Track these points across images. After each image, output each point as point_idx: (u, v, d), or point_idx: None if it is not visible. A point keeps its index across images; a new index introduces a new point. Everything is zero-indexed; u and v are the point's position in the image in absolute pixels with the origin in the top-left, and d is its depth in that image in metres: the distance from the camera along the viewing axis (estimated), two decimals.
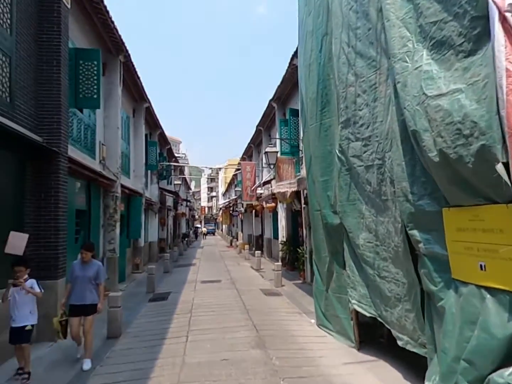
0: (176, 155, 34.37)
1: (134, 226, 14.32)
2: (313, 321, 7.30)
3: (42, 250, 6.27)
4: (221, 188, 65.38)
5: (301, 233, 14.71)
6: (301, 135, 11.88)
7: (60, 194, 6.53)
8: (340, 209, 5.89)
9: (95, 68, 8.30)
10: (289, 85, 14.09)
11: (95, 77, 8.27)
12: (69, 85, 7.54)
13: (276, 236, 19.05)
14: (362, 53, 5.02)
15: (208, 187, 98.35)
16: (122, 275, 12.69)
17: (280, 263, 15.77)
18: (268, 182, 17.05)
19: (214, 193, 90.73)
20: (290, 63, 12.26)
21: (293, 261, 14.57)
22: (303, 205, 11.71)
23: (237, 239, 33.11)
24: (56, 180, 6.49)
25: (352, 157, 5.58)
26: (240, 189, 26.56)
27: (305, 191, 11.37)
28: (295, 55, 11.66)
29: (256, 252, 15.94)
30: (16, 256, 4.95)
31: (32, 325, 4.75)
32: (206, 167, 33.48)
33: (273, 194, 12.37)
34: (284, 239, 15.65)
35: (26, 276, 4.77)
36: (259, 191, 16.90)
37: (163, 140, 22.28)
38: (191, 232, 52.19)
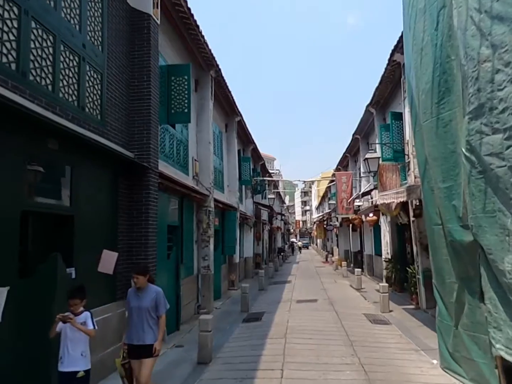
0: (270, 171, 34.54)
1: (228, 241, 14.17)
2: (435, 362, 5.91)
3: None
4: (315, 202, 64.04)
5: (409, 250, 12.98)
6: (406, 139, 10.43)
7: (151, 210, 6.38)
8: (474, 223, 4.56)
9: (186, 83, 8.24)
10: (389, 86, 12.69)
11: (185, 92, 8.20)
12: (161, 101, 7.55)
13: (378, 252, 17.31)
14: (502, 15, 3.79)
15: (302, 201, 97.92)
16: (217, 292, 12.52)
17: (385, 283, 14.16)
18: (368, 193, 15.60)
19: (307, 207, 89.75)
20: (390, 59, 10.95)
21: (401, 282, 12.85)
22: (411, 218, 10.17)
23: (333, 254, 31.53)
24: (147, 195, 6.37)
25: (488, 155, 4.27)
26: (334, 202, 25.25)
27: (413, 202, 9.86)
28: (395, 49, 10.37)
29: (356, 270, 14.53)
30: (72, 288, 3.97)
31: (85, 371, 3.75)
32: (299, 181, 32.78)
33: (376, 205, 11.05)
34: (389, 256, 13.98)
35: (82, 309, 3.86)
36: (357, 203, 15.54)
37: (256, 155, 22.28)
38: (286, 246, 51.78)
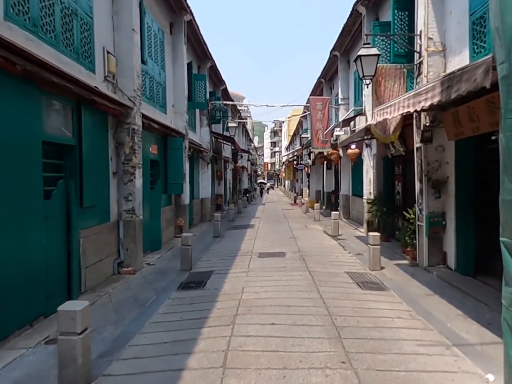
0: (239, 108, 30.65)
1: (173, 176, 11.00)
2: (491, 378, 3.32)
3: None
4: (285, 141, 61.01)
5: (399, 189, 10.37)
6: (419, 28, 7.25)
7: None
8: None
9: None
10: None
11: None
12: None
13: (356, 192, 14.80)
14: None
15: (271, 142, 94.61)
16: (156, 243, 9.60)
17: (366, 228, 11.72)
18: (350, 121, 12.59)
19: (277, 148, 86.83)
20: None
21: (388, 229, 10.38)
22: (417, 144, 7.32)
23: (302, 196, 29.22)
24: None
25: None
26: (307, 135, 22.28)
27: (424, 120, 6.96)
28: None
29: (333, 213, 11.93)
30: None
31: None
32: (273, 122, 29.28)
33: (367, 128, 8.05)
34: (372, 197, 11.41)
35: None
36: (337, 132, 12.58)
37: (216, 76, 18.39)
38: (256, 187, 49.39)
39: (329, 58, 16.76)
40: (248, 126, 46.55)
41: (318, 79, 20.51)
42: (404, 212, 8.03)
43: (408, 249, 8.01)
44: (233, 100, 23.82)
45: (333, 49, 15.66)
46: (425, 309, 5.11)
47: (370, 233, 7.41)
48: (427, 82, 6.31)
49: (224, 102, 18.30)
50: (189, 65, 13.17)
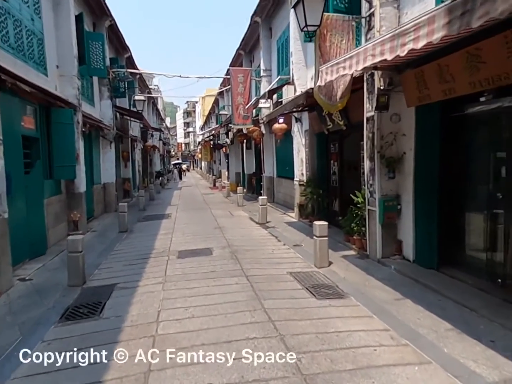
0: (150, 86, 27.47)
1: (61, 158, 8.47)
2: None
3: None
4: (199, 122, 58.28)
5: (335, 169, 9.34)
6: None
7: None
8: None
9: None
10: None
11: None
12: None
13: (282, 174, 13.66)
14: None
15: (184, 123, 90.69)
16: (38, 247, 7.23)
17: (296, 212, 10.58)
18: (276, 90, 11.19)
19: (191, 128, 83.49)
20: None
21: (325, 214, 9.31)
22: (369, 113, 6.14)
23: (221, 178, 27.64)
24: None
25: None
26: (225, 112, 20.56)
27: (381, 82, 5.77)
28: None
29: (261, 198, 10.53)
30: None
31: None
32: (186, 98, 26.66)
33: (309, 93, 6.59)
34: (304, 178, 10.26)
35: None
36: (262, 105, 11.05)
37: (118, 40, 15.50)
38: (173, 169, 46.36)
39: (250, 25, 15.10)
40: (159, 106, 43.07)
41: (237, 50, 18.74)
42: (352, 195, 6.87)
43: (354, 237, 6.93)
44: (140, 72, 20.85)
45: (255, 14, 14.02)
46: (405, 324, 3.91)
47: (316, 222, 6.09)
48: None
49: (129, 70, 15.52)
50: (79, 18, 10.39)
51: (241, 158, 21.44)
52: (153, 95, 28.98)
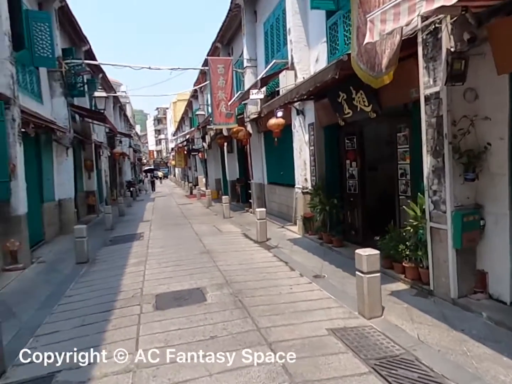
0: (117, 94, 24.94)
1: None
2: None
3: None
4: (171, 128, 55.57)
5: (352, 171, 7.46)
6: None
7: None
8: None
9: None
10: None
11: None
12: None
13: (276, 180, 11.67)
14: None
15: (155, 130, 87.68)
16: None
17: (299, 226, 8.60)
18: (272, 76, 9.20)
19: (162, 135, 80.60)
20: None
21: (339, 230, 7.37)
22: (437, 88, 4.23)
23: (199, 185, 25.37)
24: None
25: None
26: (202, 112, 18.40)
27: (456, 35, 3.87)
28: None
29: (259, 210, 8.47)
30: None
31: None
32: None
33: (343, 63, 4.49)
34: (309, 185, 8.32)
35: None
36: (254, 96, 9.03)
37: (72, 28, 13.05)
38: (144, 178, 43.55)
39: (230, 10, 13.09)
40: (128, 113, 40.39)
41: (213, 43, 16.65)
42: (405, 207, 4.92)
43: (404, 264, 4.99)
44: (102, 69, 18.41)
45: None
46: None
47: (360, 251, 4.09)
48: None
49: (86, 61, 13.07)
50: None
51: (222, 162, 19.31)
52: (118, 95, 26.35)
